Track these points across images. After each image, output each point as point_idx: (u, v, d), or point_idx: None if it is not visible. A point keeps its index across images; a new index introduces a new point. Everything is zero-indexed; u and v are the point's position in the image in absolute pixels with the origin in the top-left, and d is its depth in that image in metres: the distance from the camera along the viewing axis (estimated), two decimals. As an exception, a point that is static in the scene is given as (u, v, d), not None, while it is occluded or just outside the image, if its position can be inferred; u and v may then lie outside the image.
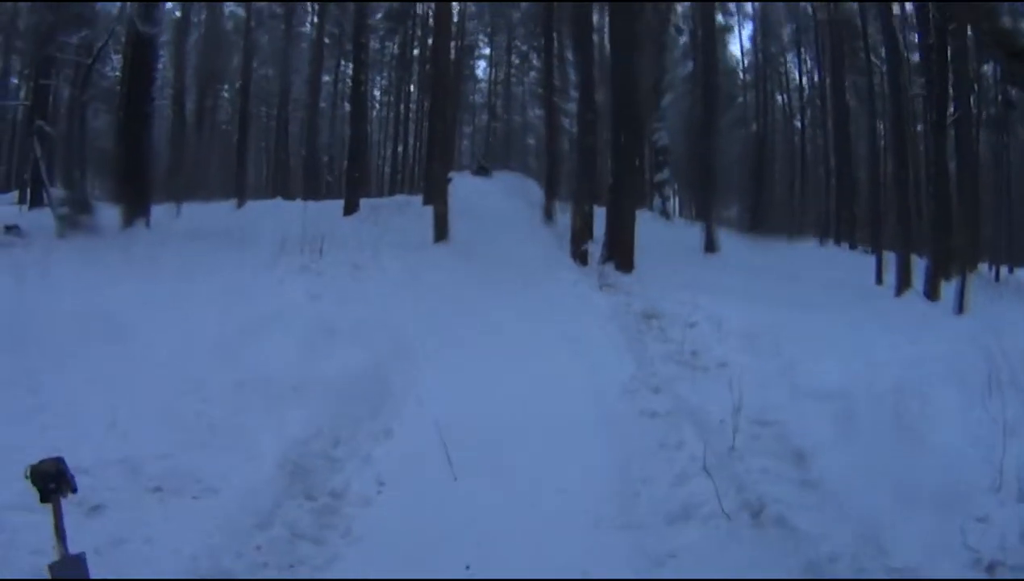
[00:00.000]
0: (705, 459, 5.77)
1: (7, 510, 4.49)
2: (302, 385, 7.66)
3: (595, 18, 22.74)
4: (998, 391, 6.40)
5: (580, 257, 17.60)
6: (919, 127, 22.81)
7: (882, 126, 27.25)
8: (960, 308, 15.44)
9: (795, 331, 10.10)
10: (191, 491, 5.38)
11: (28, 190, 25.76)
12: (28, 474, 4.22)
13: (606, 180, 19.23)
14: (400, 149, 40.67)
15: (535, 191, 26.73)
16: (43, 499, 4.24)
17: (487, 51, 40.22)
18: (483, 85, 42.80)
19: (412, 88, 38.84)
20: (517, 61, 41.14)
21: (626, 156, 18.36)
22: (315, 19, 33.70)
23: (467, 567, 4.92)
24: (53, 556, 4.12)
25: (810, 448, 5.80)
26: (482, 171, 32.69)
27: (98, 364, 7.49)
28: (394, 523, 5.44)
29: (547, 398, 8.16)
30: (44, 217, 17.91)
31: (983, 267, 24.29)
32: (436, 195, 18.88)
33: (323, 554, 5.03)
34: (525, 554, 5.01)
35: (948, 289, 17.27)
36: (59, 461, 4.32)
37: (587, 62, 19.84)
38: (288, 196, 28.02)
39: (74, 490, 4.34)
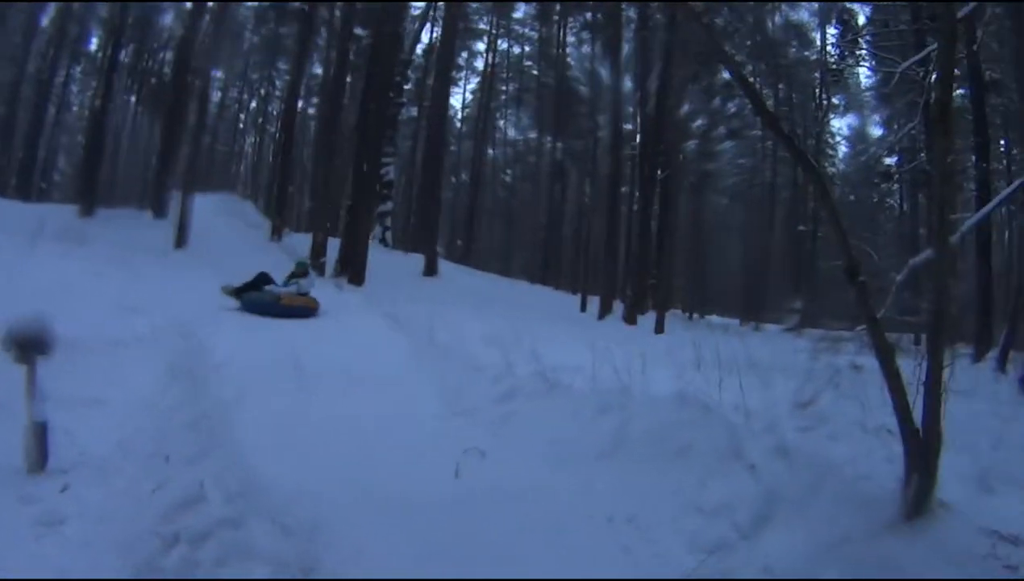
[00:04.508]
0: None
1: None
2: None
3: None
4: (703, 368, 7.93)
5: (319, 268, 18.50)
6: (624, 189, 26.13)
7: (588, 186, 30.12)
8: (659, 329, 18.28)
9: (528, 333, 11.37)
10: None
11: None
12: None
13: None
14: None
15: (251, 213, 26.59)
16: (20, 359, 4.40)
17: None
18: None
19: (133, 99, 37.06)
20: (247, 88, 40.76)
21: (366, 183, 20.26)
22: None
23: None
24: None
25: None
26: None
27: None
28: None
29: (338, 349, 9.20)
30: None
31: (676, 311, 28.27)
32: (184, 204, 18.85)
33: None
34: (377, 440, 5.87)
35: (643, 320, 20.40)
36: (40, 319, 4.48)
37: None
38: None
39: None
